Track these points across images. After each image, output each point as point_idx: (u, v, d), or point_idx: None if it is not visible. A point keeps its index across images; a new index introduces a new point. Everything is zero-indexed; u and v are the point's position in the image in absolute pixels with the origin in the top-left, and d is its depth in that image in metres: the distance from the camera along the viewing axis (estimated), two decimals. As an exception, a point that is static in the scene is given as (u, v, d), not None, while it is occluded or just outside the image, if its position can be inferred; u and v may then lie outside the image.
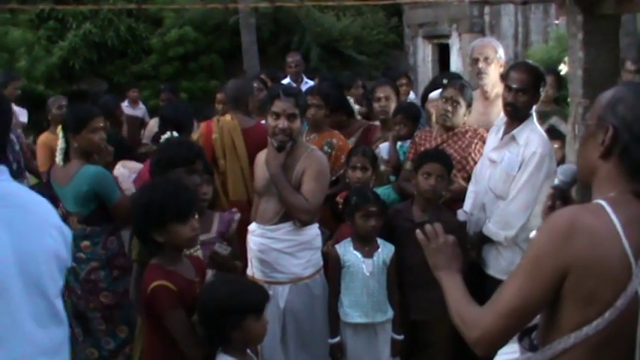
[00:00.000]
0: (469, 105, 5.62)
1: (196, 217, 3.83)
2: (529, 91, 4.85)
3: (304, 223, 4.69)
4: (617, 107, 2.34)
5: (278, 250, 4.73)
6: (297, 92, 4.86)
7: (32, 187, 7.36)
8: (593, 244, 2.21)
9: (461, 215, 5.21)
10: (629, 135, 2.30)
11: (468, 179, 5.35)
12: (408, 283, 4.99)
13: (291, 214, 4.67)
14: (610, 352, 2.27)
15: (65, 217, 4.99)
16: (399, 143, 6.06)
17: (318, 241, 4.88)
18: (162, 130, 5.66)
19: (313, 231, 4.82)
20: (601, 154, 2.36)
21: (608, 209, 2.25)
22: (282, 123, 4.63)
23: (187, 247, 3.90)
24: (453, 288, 2.64)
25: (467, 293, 2.60)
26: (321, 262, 4.91)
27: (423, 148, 5.59)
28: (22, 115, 10.31)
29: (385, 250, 4.92)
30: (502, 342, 2.43)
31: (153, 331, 3.73)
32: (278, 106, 4.65)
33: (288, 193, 4.62)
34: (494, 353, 2.53)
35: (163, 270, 3.65)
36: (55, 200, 5.08)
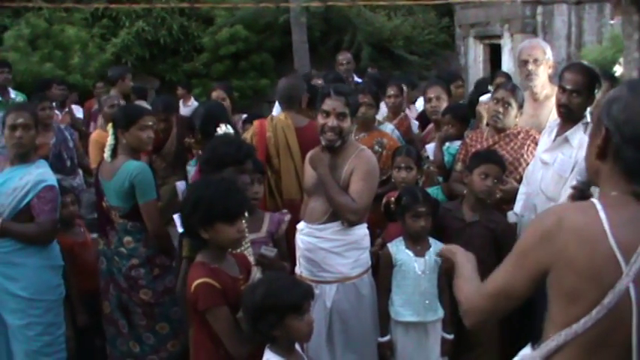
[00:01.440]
0: (520, 106, 5.57)
1: (246, 215, 3.84)
2: (583, 92, 4.78)
3: (351, 224, 4.67)
4: (611, 108, 2.32)
5: (325, 250, 4.72)
6: (348, 91, 4.84)
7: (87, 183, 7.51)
8: (576, 243, 2.23)
9: (511, 217, 5.17)
10: (620, 136, 2.27)
11: (520, 181, 5.29)
12: (456, 282, 4.97)
13: (339, 214, 4.66)
14: (605, 353, 2.26)
15: (108, 211, 5.13)
16: (446, 144, 6.02)
17: (367, 241, 4.86)
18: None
19: (361, 231, 4.80)
20: (597, 156, 2.36)
21: (599, 208, 2.25)
22: (332, 121, 4.63)
23: (232, 248, 3.91)
24: (462, 266, 2.87)
25: (472, 270, 2.80)
26: (370, 262, 4.88)
27: (474, 149, 5.55)
28: (77, 111, 10.48)
29: (437, 249, 4.90)
30: (485, 318, 2.58)
31: (199, 327, 3.76)
32: (328, 104, 4.66)
33: (336, 193, 4.61)
34: (481, 324, 2.64)
35: (208, 267, 3.68)
36: (101, 194, 5.17)
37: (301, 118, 6.02)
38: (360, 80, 9.91)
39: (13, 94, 9.36)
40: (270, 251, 4.43)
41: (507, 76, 7.88)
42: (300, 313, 3.43)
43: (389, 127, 6.81)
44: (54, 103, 10.18)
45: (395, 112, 7.58)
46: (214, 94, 7.48)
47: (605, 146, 2.32)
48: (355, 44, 16.37)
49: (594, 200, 2.30)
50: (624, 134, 2.26)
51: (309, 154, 4.93)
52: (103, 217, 5.26)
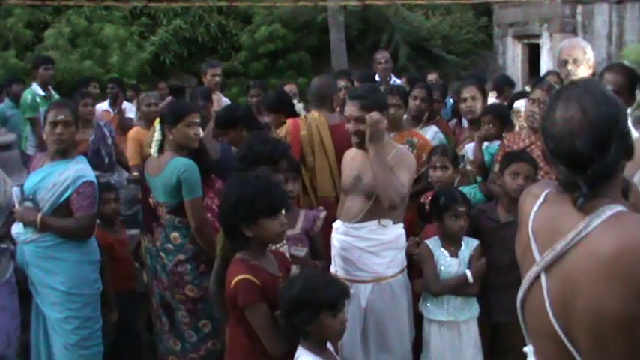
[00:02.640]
0: (558, 106, 5.51)
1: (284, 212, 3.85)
2: (624, 93, 4.71)
3: (392, 207, 4.58)
4: None
5: (361, 249, 4.70)
6: (364, 93, 4.75)
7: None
8: (520, 224, 2.43)
9: (548, 218, 5.12)
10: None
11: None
12: (492, 283, 4.94)
13: (384, 196, 4.54)
14: (539, 340, 2.36)
15: (155, 207, 5.16)
16: (485, 144, 5.98)
17: (402, 241, 4.84)
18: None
19: (397, 230, 4.77)
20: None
21: (540, 200, 2.35)
22: (352, 126, 4.62)
23: (275, 242, 3.93)
24: None
25: None
26: (405, 262, 4.87)
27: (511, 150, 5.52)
28: (129, 111, 10.55)
29: (467, 247, 4.90)
30: None
31: (237, 324, 3.79)
32: (347, 110, 4.68)
33: (387, 172, 4.52)
34: None
35: (247, 264, 3.70)
36: (147, 190, 5.23)
37: (334, 116, 6.03)
38: (398, 80, 9.88)
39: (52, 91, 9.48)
40: (299, 251, 4.44)
41: (559, 76, 7.79)
42: (334, 311, 3.44)
43: (432, 130, 6.75)
44: (108, 101, 10.31)
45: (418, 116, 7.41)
46: (287, 88, 7.52)
47: (543, 152, 2.38)
48: (393, 43, 16.33)
49: (546, 192, 2.36)
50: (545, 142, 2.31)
51: (350, 153, 4.92)
52: (148, 213, 5.29)
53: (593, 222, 2.15)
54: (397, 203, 4.57)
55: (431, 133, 6.64)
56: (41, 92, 9.06)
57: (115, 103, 10.56)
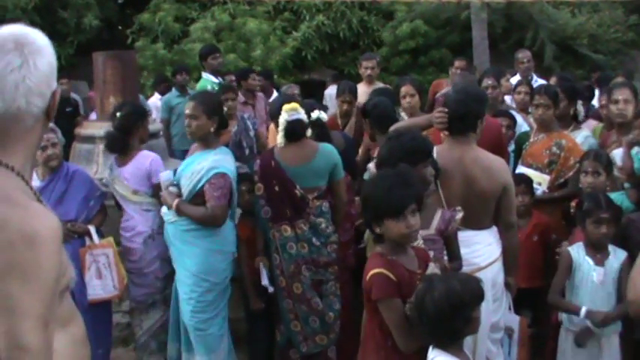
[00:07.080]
0: None
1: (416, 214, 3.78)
2: None
3: None
4: None
5: None
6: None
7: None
8: None
9: None
10: None
11: None
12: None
13: None
14: None
15: (302, 197, 5.49)
16: (635, 149, 5.74)
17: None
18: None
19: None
20: None
21: None
22: None
23: (403, 243, 3.85)
24: None
25: None
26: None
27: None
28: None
29: (616, 257, 4.73)
30: None
31: (371, 316, 3.83)
32: None
33: None
34: None
35: (385, 259, 3.72)
36: (284, 182, 5.50)
37: None
38: (540, 80, 9.64)
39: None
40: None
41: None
42: (480, 304, 3.43)
43: (582, 134, 6.52)
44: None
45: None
46: (403, 90, 7.46)
47: None
48: (537, 42, 15.99)
49: None
50: None
51: None
52: (290, 204, 5.49)
53: None
54: None
55: (581, 137, 6.40)
56: (215, 80, 9.34)
57: (266, 96, 10.73)
